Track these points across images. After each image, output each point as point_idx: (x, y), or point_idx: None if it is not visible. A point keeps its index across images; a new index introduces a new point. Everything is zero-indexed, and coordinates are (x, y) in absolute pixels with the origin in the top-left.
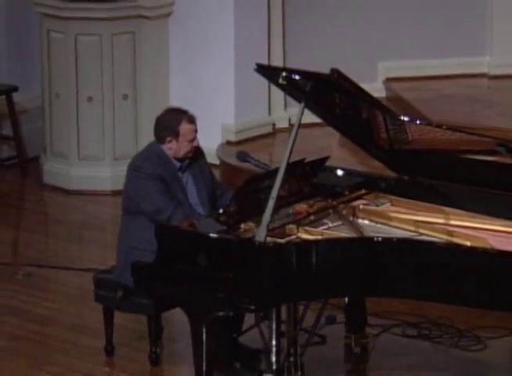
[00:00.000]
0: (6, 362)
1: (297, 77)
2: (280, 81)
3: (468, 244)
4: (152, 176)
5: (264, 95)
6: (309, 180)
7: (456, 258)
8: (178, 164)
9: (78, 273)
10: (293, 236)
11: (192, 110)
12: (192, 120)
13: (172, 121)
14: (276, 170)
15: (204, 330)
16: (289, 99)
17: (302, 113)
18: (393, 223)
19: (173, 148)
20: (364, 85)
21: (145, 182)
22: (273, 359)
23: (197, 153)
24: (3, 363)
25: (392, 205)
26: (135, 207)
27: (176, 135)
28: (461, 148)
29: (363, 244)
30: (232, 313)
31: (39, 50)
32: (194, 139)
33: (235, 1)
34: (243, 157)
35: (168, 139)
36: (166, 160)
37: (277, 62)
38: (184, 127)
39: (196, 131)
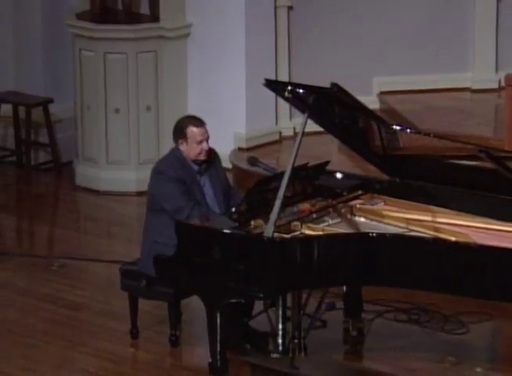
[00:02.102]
0: (44, 343)
1: (301, 91)
2: (286, 94)
3: (453, 239)
4: (173, 179)
5: (271, 106)
6: (312, 182)
7: (442, 252)
8: (196, 168)
9: (106, 265)
10: (298, 232)
11: (207, 119)
12: (198, 124)
13: (181, 124)
14: (282, 173)
15: (218, 315)
16: (294, 110)
17: (306, 123)
18: (386, 220)
19: (185, 150)
20: (360, 98)
21: (167, 184)
22: (279, 341)
23: (213, 157)
24: (41, 344)
25: (385, 204)
26: (157, 206)
27: (185, 137)
28: (446, 154)
29: (360, 239)
30: (243, 300)
31: (72, 67)
32: (202, 141)
33: (246, 24)
34: (253, 161)
35: (180, 141)
36: (185, 163)
37: (283, 77)
38: (190, 129)
39: (204, 134)
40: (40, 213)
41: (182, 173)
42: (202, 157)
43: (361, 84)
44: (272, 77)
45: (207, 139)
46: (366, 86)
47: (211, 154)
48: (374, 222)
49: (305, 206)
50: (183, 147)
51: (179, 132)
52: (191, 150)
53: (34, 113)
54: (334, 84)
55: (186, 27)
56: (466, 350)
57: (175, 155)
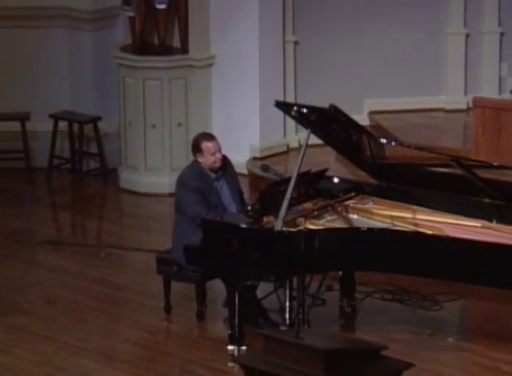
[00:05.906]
0: (93, 317)
1: (304, 111)
2: (293, 113)
3: (430, 232)
4: (192, 189)
5: (280, 123)
6: (313, 185)
7: (420, 243)
8: (213, 175)
9: (145, 253)
10: (302, 227)
11: (227, 134)
12: (210, 138)
13: (197, 141)
14: (289, 178)
15: (237, 294)
16: (299, 126)
17: (309, 137)
18: (375, 217)
19: (202, 161)
20: (354, 116)
21: (187, 193)
22: (287, 316)
23: (226, 163)
24: (91, 318)
25: (374, 204)
26: (182, 208)
27: (201, 151)
28: (424, 162)
29: (353, 232)
30: (257, 283)
31: (117, 91)
32: (215, 152)
33: (259, 55)
34: (265, 168)
35: (197, 155)
36: (203, 173)
37: (290, 99)
38: (204, 144)
39: (216, 146)
40: (90, 210)
41: (200, 183)
42: (217, 165)
43: (354, 105)
44: (281, 99)
45: (219, 150)
46: (358, 106)
47: (225, 161)
48: (365, 219)
49: (308, 205)
50: (201, 159)
51: (196, 148)
52: (207, 160)
53: (85, 128)
54: (332, 105)
55: (211, 58)
56: (440, 324)
57: (195, 167)
